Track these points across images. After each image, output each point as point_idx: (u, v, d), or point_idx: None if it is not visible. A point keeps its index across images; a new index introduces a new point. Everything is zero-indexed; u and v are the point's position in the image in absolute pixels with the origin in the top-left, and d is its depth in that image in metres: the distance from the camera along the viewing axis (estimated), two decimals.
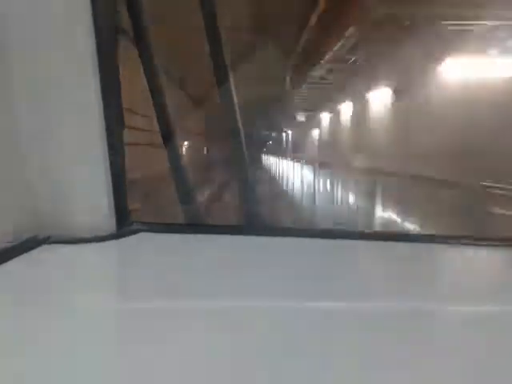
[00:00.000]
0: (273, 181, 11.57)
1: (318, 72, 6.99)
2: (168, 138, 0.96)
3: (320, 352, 0.44)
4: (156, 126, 0.92)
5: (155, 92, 0.93)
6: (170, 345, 0.44)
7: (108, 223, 0.78)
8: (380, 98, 6.13)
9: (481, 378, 0.41)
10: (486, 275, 0.75)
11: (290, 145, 14.43)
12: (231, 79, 1.00)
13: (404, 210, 4.59)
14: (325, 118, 10.05)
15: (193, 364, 0.41)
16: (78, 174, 0.75)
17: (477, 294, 0.63)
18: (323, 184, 7.52)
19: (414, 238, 0.89)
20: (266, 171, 13.75)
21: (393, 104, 5.60)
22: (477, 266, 0.79)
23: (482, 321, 0.52)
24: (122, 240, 0.77)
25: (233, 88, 1.01)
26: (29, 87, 0.70)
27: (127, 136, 0.83)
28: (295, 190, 9.25)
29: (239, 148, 0.99)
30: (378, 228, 5.73)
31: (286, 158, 12.22)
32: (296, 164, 10.10)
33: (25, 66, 0.69)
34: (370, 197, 5.27)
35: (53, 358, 0.42)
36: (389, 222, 4.82)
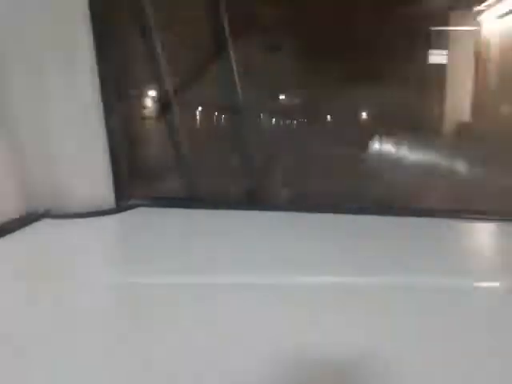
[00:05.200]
0: None
1: None
2: (167, 110, 0.95)
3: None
4: None
5: (154, 63, 0.91)
6: (165, 318, 0.44)
7: (107, 198, 0.78)
8: None
9: None
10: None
11: None
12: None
13: None
14: None
15: (190, 338, 0.41)
16: (77, 150, 0.74)
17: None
18: None
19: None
20: None
21: None
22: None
23: None
24: (121, 214, 0.77)
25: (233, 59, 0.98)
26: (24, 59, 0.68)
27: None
28: None
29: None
30: None
31: None
32: None
33: None
34: None
35: (52, 332, 0.42)
36: None
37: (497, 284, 0.56)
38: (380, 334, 0.43)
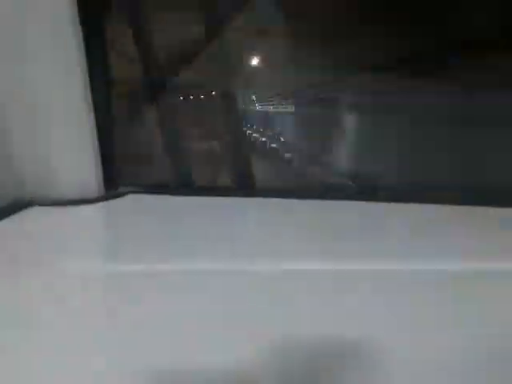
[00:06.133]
0: None
1: None
2: (156, 94, 0.93)
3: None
4: None
5: (142, 45, 0.89)
6: (156, 307, 0.44)
7: (96, 185, 0.76)
8: None
9: None
10: None
11: None
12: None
13: None
14: None
15: (180, 326, 0.41)
16: (64, 136, 0.73)
17: None
18: None
19: None
20: None
21: None
22: None
23: None
24: (111, 202, 0.76)
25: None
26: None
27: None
28: None
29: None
30: None
31: None
32: None
33: None
34: None
35: (40, 323, 0.42)
36: None
37: None
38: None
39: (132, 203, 0.78)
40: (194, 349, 0.38)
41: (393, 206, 0.77)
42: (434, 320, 0.44)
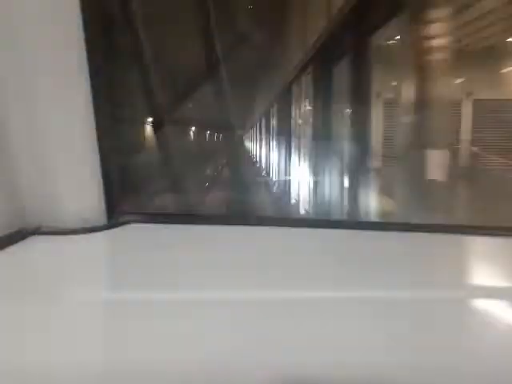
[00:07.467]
0: None
1: None
2: (159, 125, 0.95)
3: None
4: None
5: (145, 80, 0.91)
6: (154, 336, 0.44)
7: (98, 214, 0.77)
8: None
9: None
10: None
11: None
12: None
13: None
14: None
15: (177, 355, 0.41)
16: (68, 166, 0.74)
17: None
18: None
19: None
20: None
21: None
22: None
23: None
24: (112, 231, 0.76)
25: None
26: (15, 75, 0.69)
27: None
28: None
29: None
30: None
31: None
32: None
33: None
34: None
35: (37, 350, 0.42)
36: None
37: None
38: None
39: (133, 232, 0.78)
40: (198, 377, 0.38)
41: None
42: None
